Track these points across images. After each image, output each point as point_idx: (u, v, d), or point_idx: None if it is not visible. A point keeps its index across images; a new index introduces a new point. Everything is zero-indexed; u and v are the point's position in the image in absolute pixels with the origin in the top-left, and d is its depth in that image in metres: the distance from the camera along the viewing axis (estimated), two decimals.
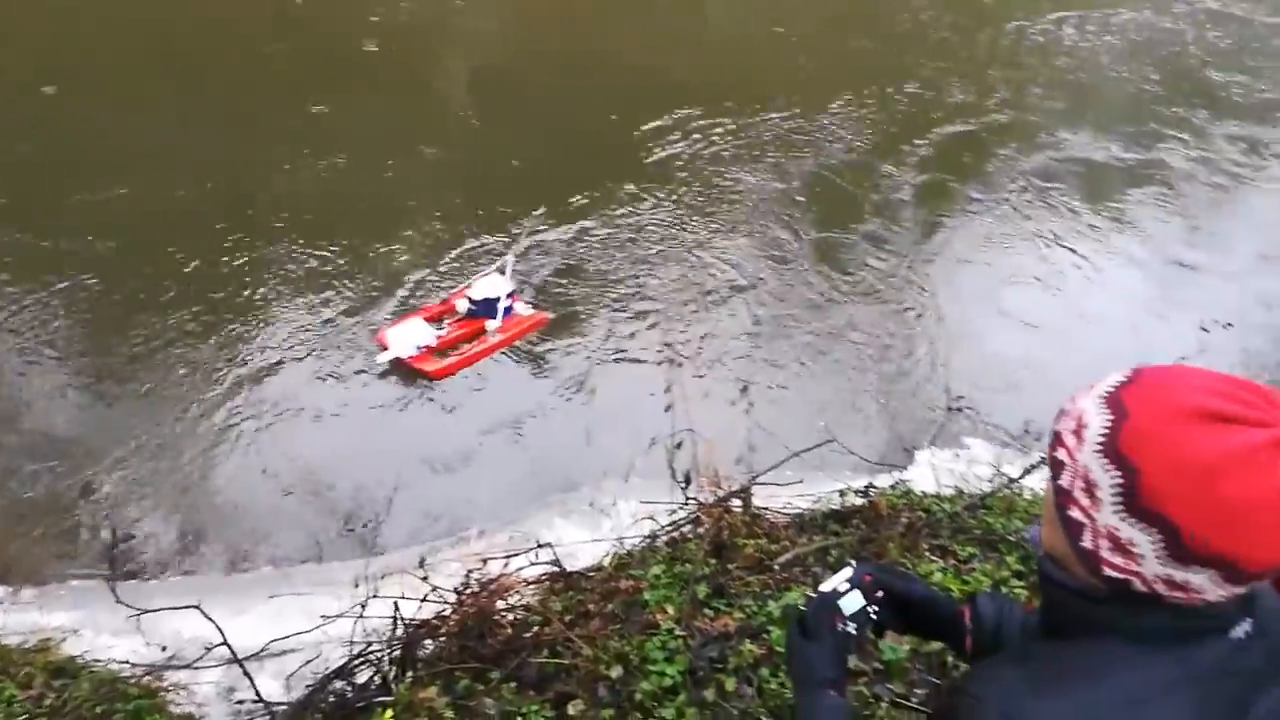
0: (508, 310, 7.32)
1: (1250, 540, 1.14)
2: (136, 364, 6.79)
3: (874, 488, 4.46)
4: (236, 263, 7.73)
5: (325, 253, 7.97)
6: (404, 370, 7.04)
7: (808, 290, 8.63)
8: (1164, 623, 1.24)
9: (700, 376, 7.28)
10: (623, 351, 7.59)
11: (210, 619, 3.64)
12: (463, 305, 7.31)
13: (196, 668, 4.13)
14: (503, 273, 7.56)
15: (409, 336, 7.05)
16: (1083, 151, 11.26)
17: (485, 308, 7.25)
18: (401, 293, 7.77)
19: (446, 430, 6.90)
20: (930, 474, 5.18)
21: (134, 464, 6.15)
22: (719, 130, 10.43)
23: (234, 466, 6.32)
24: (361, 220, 8.37)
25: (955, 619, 1.87)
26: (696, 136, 10.30)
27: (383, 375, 7.07)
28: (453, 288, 7.76)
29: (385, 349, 6.97)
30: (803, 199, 9.72)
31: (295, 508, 6.12)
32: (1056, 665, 1.30)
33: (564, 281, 8.15)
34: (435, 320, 7.39)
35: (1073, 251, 9.58)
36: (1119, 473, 1.20)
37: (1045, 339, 8.00)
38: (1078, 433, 1.27)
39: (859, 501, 4.33)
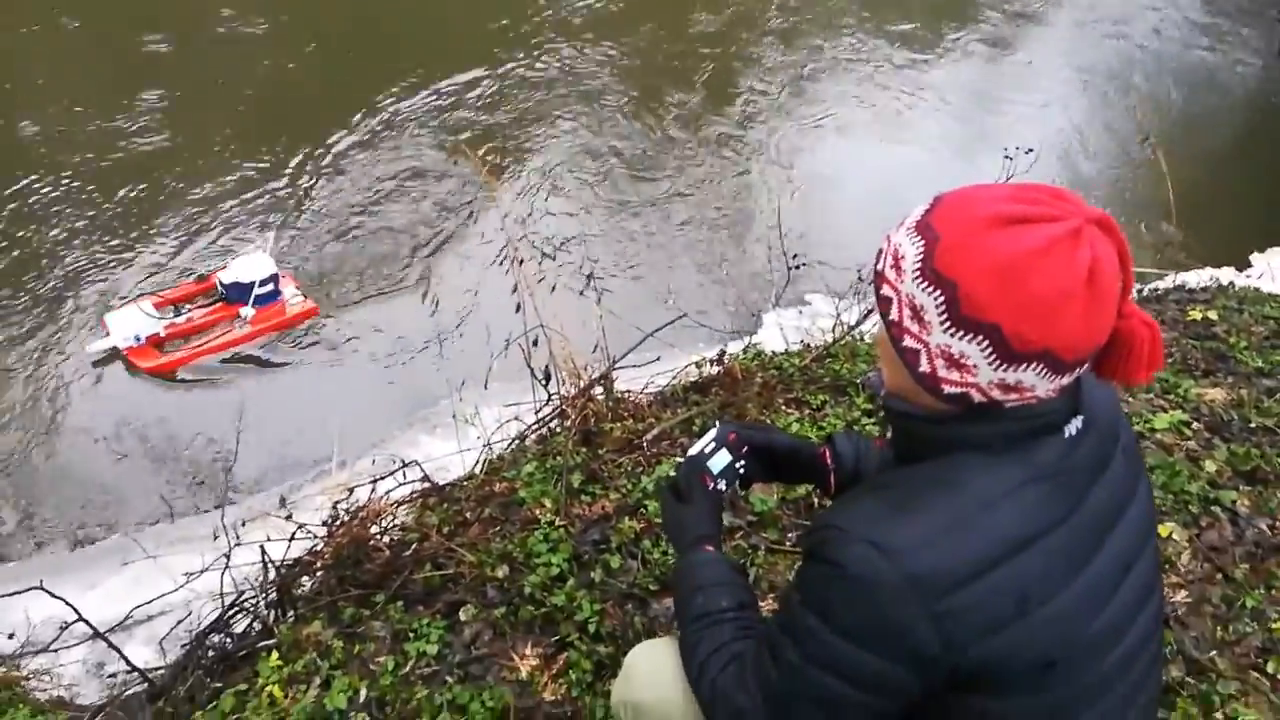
0: (268, 298, 6.40)
1: (1064, 327, 1.23)
2: None
3: (727, 354, 4.58)
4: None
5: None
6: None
7: (634, 173, 8.59)
8: (1005, 429, 1.33)
9: (542, 275, 7.18)
10: (462, 248, 7.39)
11: (56, 596, 3.39)
12: (219, 288, 6.44)
13: (55, 650, 3.88)
14: (265, 251, 6.74)
15: (132, 323, 6.13)
16: None
17: (236, 292, 6.32)
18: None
19: (283, 354, 6.57)
20: (779, 334, 5.38)
21: None
22: None
23: (58, 437, 5.83)
24: None
25: (817, 461, 1.96)
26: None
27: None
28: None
29: (106, 334, 6.12)
30: (606, 79, 9.55)
31: (134, 470, 5.72)
32: (911, 485, 1.38)
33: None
34: (172, 304, 6.44)
35: (893, 94, 9.92)
36: (938, 291, 1.26)
37: (868, 189, 8.31)
38: (896, 265, 1.33)
39: (715, 370, 4.44)
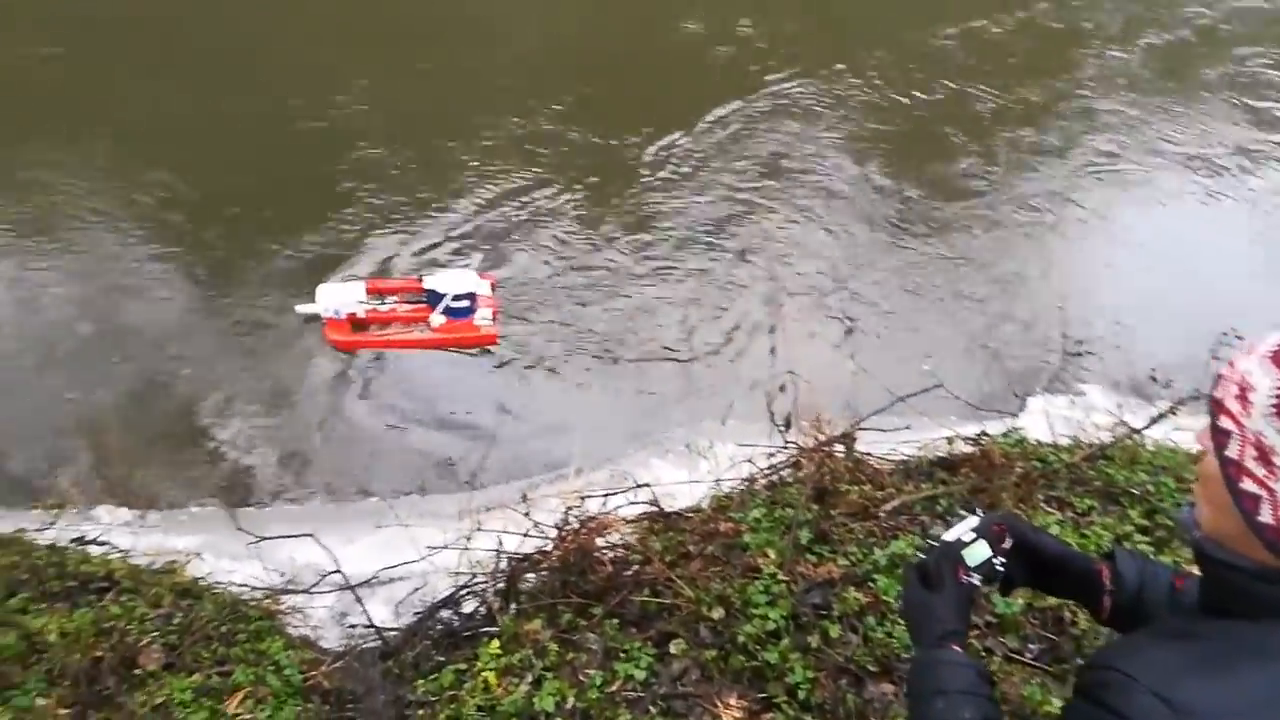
0: (460, 312, 6.66)
1: None
2: (257, 299, 7.01)
3: (985, 435, 4.31)
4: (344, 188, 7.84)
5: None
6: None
7: (912, 222, 8.31)
8: None
9: (800, 320, 7.12)
10: (726, 289, 7.46)
11: (324, 547, 3.77)
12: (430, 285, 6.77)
13: (312, 593, 4.33)
14: (478, 272, 7.05)
15: (337, 298, 6.56)
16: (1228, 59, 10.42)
17: (433, 298, 6.64)
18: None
19: (547, 361, 6.94)
20: (1044, 422, 4.96)
21: (252, 394, 6.40)
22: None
23: (342, 401, 6.51)
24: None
25: (1091, 577, 1.75)
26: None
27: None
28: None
29: (320, 300, 6.56)
30: (896, 126, 9.31)
31: (400, 441, 6.28)
32: (1222, 645, 1.20)
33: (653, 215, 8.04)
34: (380, 293, 6.82)
35: (1203, 177, 8.94)
36: None
37: (1170, 279, 7.50)
38: (1242, 397, 1.16)
39: (969, 449, 4.19)
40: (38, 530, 4.64)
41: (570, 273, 7.54)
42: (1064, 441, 4.42)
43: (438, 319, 6.64)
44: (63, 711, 3.25)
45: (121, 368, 6.44)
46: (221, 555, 4.89)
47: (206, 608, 3.91)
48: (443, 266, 7.29)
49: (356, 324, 6.64)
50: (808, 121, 9.33)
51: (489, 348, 6.81)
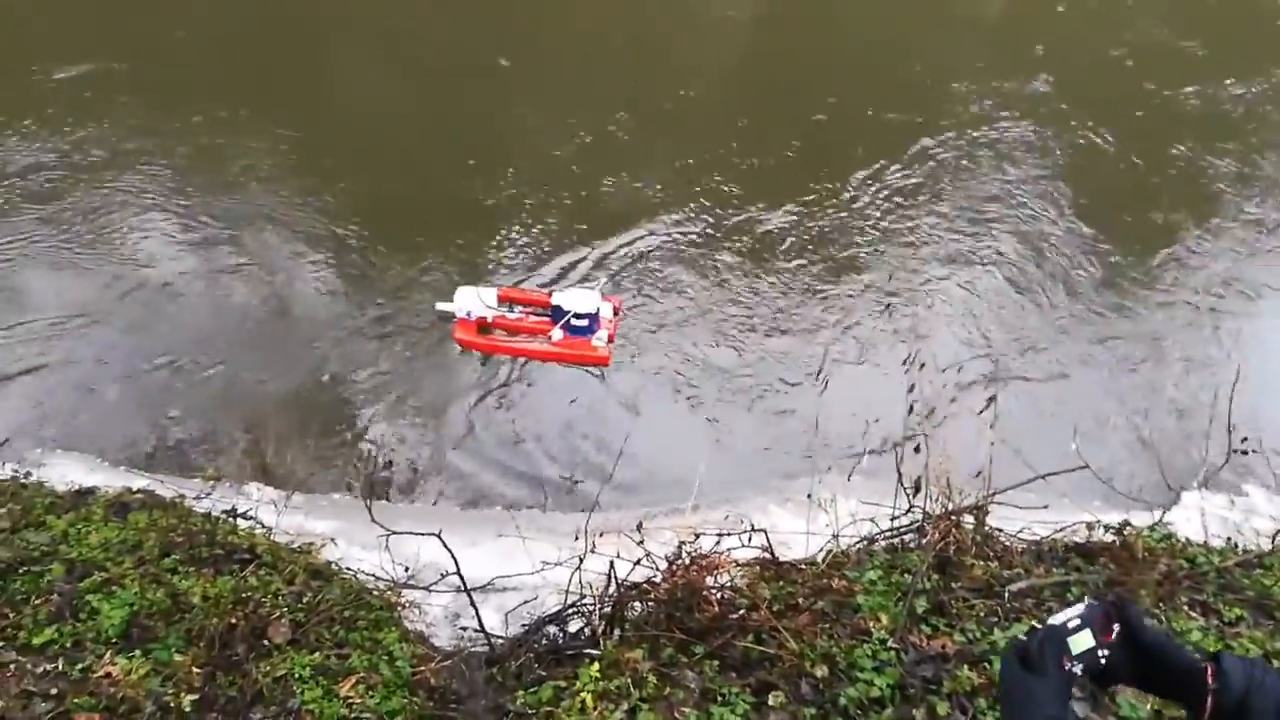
0: (579, 330, 6.92)
1: None
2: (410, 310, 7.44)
3: (1129, 525, 4.06)
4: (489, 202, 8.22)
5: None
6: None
7: (1075, 291, 7.96)
8: None
9: (944, 384, 6.92)
10: (864, 342, 7.35)
11: (448, 548, 3.93)
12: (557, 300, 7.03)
13: (431, 590, 4.51)
14: (603, 294, 7.23)
15: (472, 300, 6.96)
16: None
17: (557, 314, 6.92)
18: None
19: (657, 389, 7.01)
20: (1198, 519, 4.63)
21: (400, 398, 6.76)
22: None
23: (483, 412, 6.77)
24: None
25: (1195, 675, 1.64)
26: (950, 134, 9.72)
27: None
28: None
29: (456, 299, 7.00)
30: (1075, 182, 8.94)
31: (530, 456, 6.48)
32: None
33: (798, 255, 8.01)
34: (510, 301, 7.18)
35: None
36: None
37: None
38: None
39: (1109, 538, 3.95)
40: (196, 499, 5.06)
41: (710, 309, 7.60)
42: (1217, 543, 4.11)
43: (557, 334, 6.93)
44: (195, 670, 3.50)
45: (286, 359, 6.93)
46: (354, 543, 5.16)
47: (334, 591, 4.14)
48: (574, 285, 7.54)
49: (483, 327, 7.04)
50: (997, 165, 9.16)
51: (600, 368, 7.04)
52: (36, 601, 3.71)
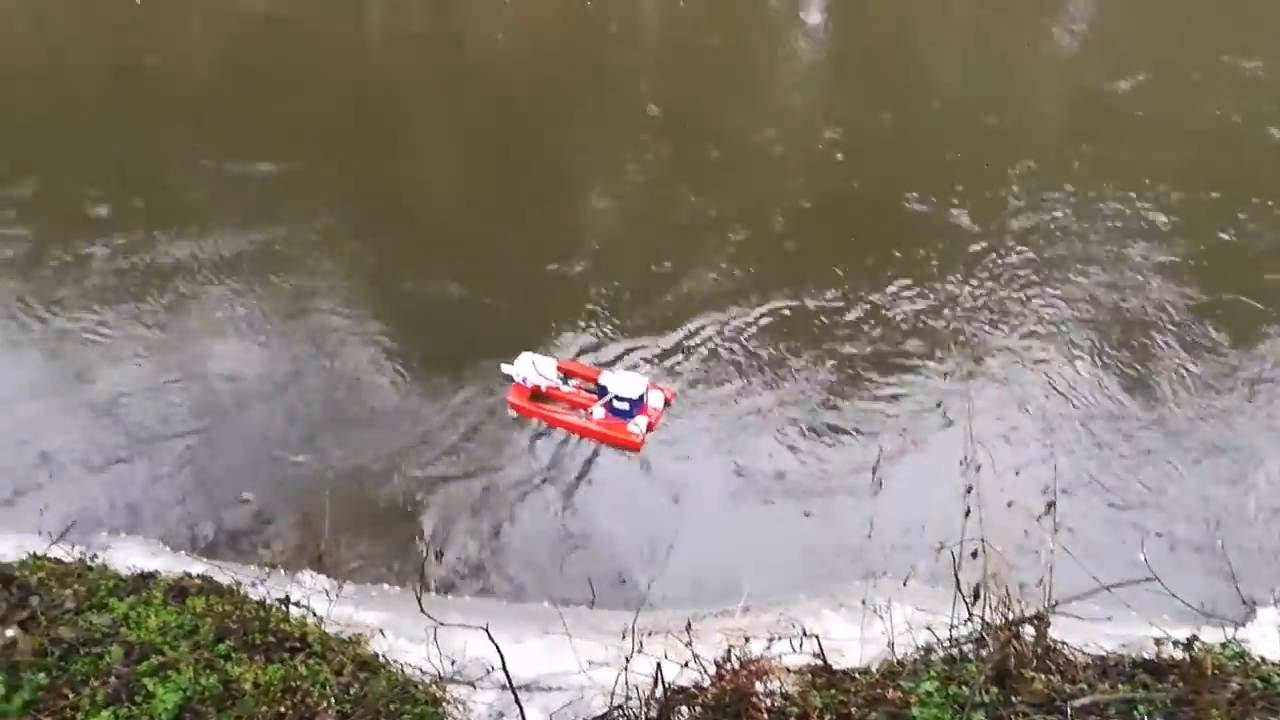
0: (619, 412, 7.14)
1: None
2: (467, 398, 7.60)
3: (1199, 641, 3.87)
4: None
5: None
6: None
7: (1146, 395, 7.80)
8: None
9: (1002, 488, 6.76)
10: (920, 441, 7.27)
11: (495, 643, 3.92)
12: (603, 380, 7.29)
13: (476, 686, 4.47)
14: (655, 383, 7.46)
15: (533, 367, 7.32)
16: None
17: (602, 392, 7.19)
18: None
19: (710, 487, 6.98)
20: (1275, 636, 4.39)
21: (455, 488, 6.86)
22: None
23: (536, 505, 6.82)
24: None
25: None
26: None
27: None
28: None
29: (517, 364, 7.35)
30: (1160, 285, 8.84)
31: (580, 551, 6.48)
32: None
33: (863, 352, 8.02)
34: (566, 373, 7.48)
35: None
36: None
37: None
38: None
39: (1178, 654, 3.77)
40: (251, 585, 5.14)
41: (765, 406, 7.61)
42: None
43: (599, 412, 7.15)
44: None
45: (345, 451, 7.10)
46: (401, 634, 5.17)
47: (381, 684, 4.14)
48: (628, 369, 7.74)
49: (537, 395, 7.33)
50: (1071, 268, 9.17)
51: (631, 452, 7.19)
52: (95, 683, 3.78)
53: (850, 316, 8.57)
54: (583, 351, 8.00)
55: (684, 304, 8.60)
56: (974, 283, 9.06)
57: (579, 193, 10.23)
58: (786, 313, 8.57)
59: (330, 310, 8.46)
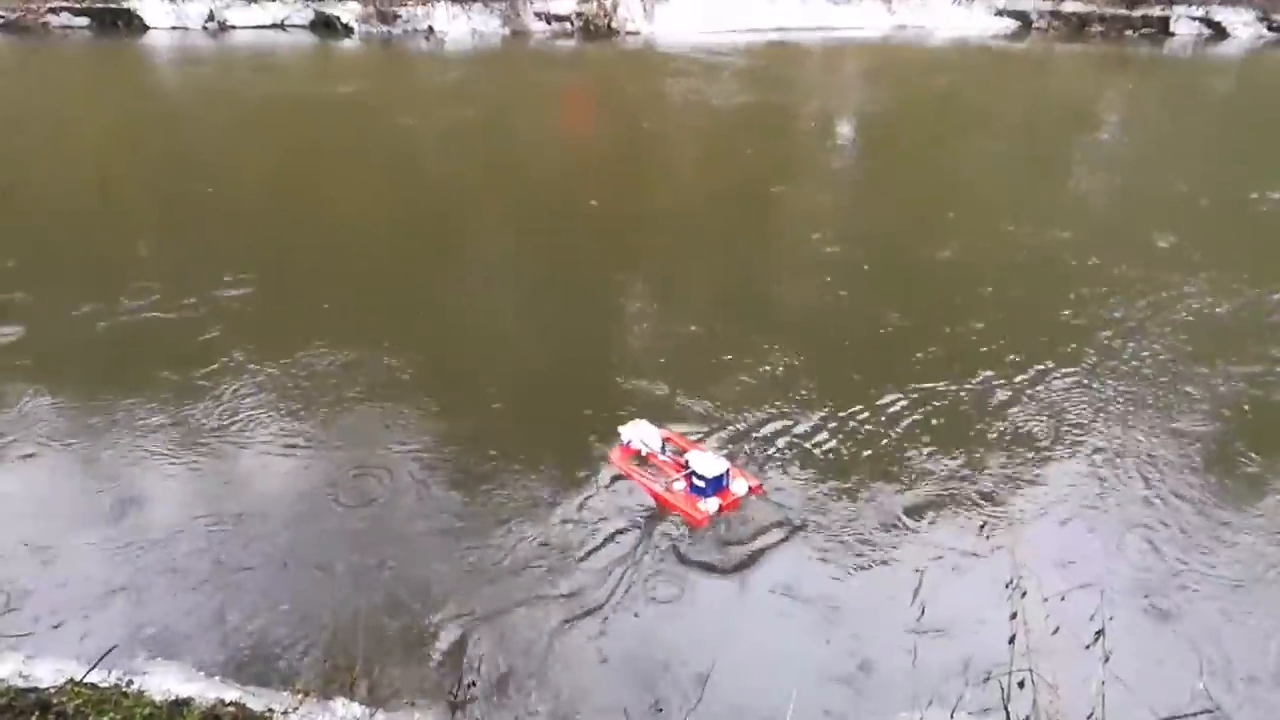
0: (698, 489, 7.49)
1: None
2: (504, 523, 7.61)
3: None
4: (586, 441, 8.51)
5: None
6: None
7: (1200, 513, 7.59)
8: None
9: (1047, 614, 6.56)
10: (964, 565, 7.11)
11: None
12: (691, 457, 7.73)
13: None
14: (732, 460, 7.89)
15: (642, 433, 7.91)
16: None
17: (688, 466, 7.66)
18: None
19: (751, 610, 6.83)
20: None
21: (486, 617, 6.78)
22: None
23: (568, 630, 6.71)
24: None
25: None
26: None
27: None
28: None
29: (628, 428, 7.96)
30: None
31: (615, 676, 6.31)
32: None
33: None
34: (668, 442, 8.03)
35: None
36: None
37: None
38: None
39: None
40: (283, 713, 5.08)
41: (806, 528, 7.53)
42: None
43: (679, 484, 7.62)
44: None
45: (380, 576, 7.10)
46: None
47: None
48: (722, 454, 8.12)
49: (636, 457, 7.94)
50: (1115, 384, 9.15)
51: (694, 528, 7.50)
52: None
53: (894, 435, 8.54)
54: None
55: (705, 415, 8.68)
56: (1024, 401, 9.03)
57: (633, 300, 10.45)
58: (829, 432, 8.58)
59: (367, 427, 8.60)
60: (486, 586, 6.99)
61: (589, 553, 7.29)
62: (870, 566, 7.17)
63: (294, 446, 8.42)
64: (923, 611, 6.73)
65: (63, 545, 7.27)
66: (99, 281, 11.26)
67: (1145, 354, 9.84)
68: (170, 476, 8.06)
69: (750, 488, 7.65)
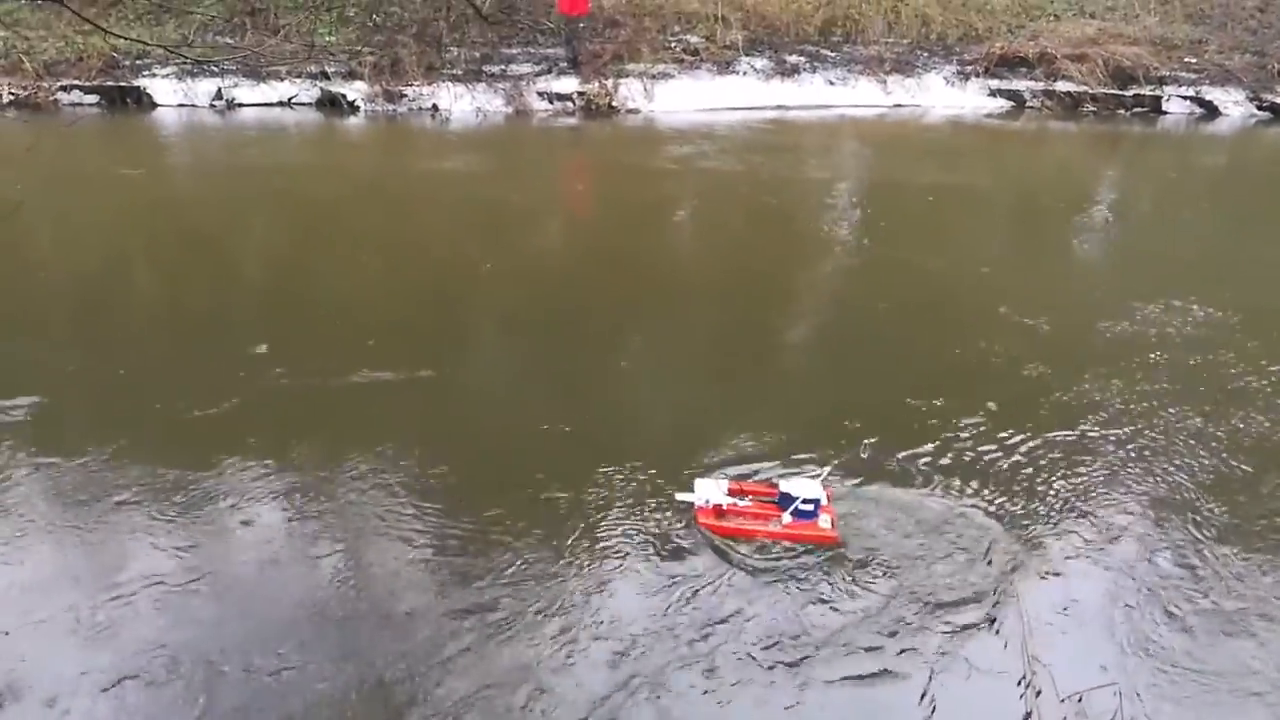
0: (805, 514, 7.77)
1: None
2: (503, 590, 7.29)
3: None
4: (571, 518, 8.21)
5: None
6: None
7: (1220, 606, 7.27)
8: None
9: (1063, 716, 6.23)
10: (974, 663, 6.77)
11: None
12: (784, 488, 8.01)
13: None
14: (823, 480, 8.18)
15: (708, 491, 8.03)
16: None
17: (785, 501, 7.86)
18: None
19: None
20: None
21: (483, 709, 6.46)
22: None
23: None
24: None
25: None
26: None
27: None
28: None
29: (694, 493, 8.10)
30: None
31: None
32: None
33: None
34: (739, 494, 8.15)
35: None
36: None
37: None
38: None
39: None
40: None
41: (797, 631, 7.18)
42: None
43: (787, 518, 7.81)
44: None
45: (371, 653, 6.76)
46: None
47: None
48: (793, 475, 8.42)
49: (719, 513, 7.98)
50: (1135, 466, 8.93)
51: (834, 547, 7.73)
52: None
53: (896, 513, 8.26)
54: None
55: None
56: (1031, 475, 8.78)
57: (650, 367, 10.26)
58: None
59: (363, 514, 8.35)
60: (476, 677, 6.64)
61: (588, 643, 6.96)
62: (871, 670, 6.78)
63: (278, 510, 8.14)
64: (933, 710, 6.38)
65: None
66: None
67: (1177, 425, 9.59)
68: (153, 543, 7.75)
69: (828, 495, 8.06)
